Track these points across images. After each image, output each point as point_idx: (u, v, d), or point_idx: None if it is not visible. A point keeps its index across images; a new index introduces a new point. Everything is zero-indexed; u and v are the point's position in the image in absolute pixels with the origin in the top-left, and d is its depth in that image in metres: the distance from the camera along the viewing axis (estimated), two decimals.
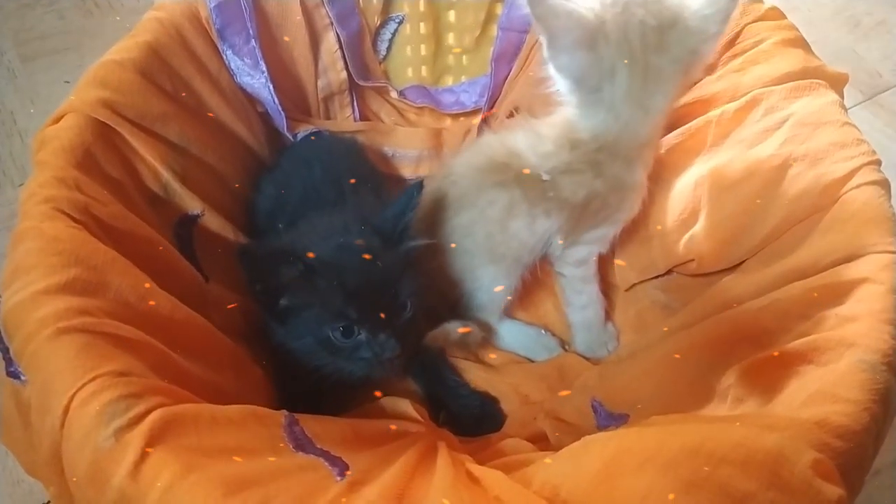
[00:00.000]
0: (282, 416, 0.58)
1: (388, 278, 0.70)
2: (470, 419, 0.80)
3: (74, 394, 0.48)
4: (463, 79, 1.08)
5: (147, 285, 0.61)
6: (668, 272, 0.86)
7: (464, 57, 1.07)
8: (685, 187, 0.80)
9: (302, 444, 0.57)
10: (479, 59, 1.06)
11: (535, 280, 0.90)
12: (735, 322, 0.67)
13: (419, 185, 0.75)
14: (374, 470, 0.56)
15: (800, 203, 0.70)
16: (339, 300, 0.68)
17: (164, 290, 0.63)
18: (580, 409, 0.77)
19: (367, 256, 0.69)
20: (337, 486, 0.52)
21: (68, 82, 1.26)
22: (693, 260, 0.80)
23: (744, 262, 0.76)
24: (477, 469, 0.60)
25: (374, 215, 0.74)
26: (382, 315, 0.69)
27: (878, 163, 0.68)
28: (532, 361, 0.89)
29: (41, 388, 0.51)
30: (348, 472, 0.55)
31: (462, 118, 1.08)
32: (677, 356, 0.71)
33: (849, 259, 0.62)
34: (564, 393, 0.80)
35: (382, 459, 0.59)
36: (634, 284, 0.90)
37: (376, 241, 0.71)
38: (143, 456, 0.46)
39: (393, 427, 0.69)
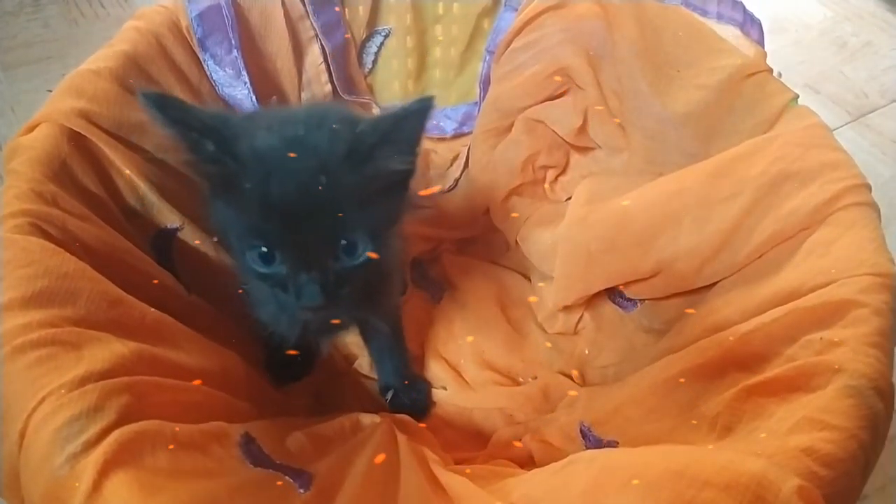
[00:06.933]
0: (238, 435, 0.57)
1: (334, 202, 0.52)
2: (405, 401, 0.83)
3: (29, 416, 0.46)
4: (452, 101, 1.07)
5: (118, 292, 0.59)
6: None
7: (450, 71, 1.06)
8: (658, 197, 0.80)
9: (260, 461, 0.56)
10: (465, 74, 1.05)
11: None
12: (722, 347, 0.66)
13: (429, 100, 0.53)
14: (336, 474, 0.56)
15: (785, 222, 0.69)
16: (256, 210, 0.52)
17: (141, 300, 0.61)
18: (566, 431, 0.75)
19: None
20: (300, 498, 0.51)
21: (51, 91, 1.24)
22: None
23: (720, 281, 0.75)
24: (443, 475, 0.60)
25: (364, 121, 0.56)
26: (313, 250, 0.53)
27: (868, 186, 0.67)
28: (515, 384, 0.87)
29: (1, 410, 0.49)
30: (313, 483, 0.55)
31: (449, 140, 1.07)
32: (666, 382, 0.69)
33: (835, 281, 0.61)
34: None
35: (344, 460, 0.60)
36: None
37: (338, 149, 0.53)
38: (100, 482, 0.44)
39: (347, 423, 0.68)
